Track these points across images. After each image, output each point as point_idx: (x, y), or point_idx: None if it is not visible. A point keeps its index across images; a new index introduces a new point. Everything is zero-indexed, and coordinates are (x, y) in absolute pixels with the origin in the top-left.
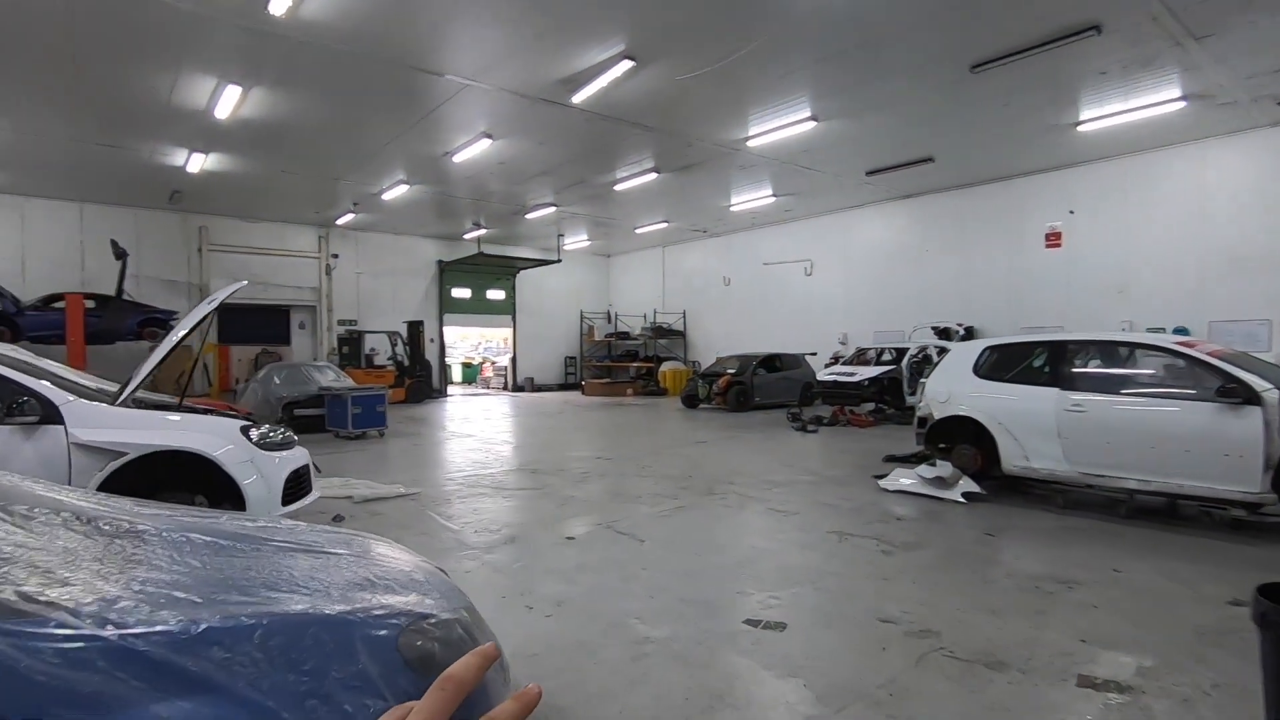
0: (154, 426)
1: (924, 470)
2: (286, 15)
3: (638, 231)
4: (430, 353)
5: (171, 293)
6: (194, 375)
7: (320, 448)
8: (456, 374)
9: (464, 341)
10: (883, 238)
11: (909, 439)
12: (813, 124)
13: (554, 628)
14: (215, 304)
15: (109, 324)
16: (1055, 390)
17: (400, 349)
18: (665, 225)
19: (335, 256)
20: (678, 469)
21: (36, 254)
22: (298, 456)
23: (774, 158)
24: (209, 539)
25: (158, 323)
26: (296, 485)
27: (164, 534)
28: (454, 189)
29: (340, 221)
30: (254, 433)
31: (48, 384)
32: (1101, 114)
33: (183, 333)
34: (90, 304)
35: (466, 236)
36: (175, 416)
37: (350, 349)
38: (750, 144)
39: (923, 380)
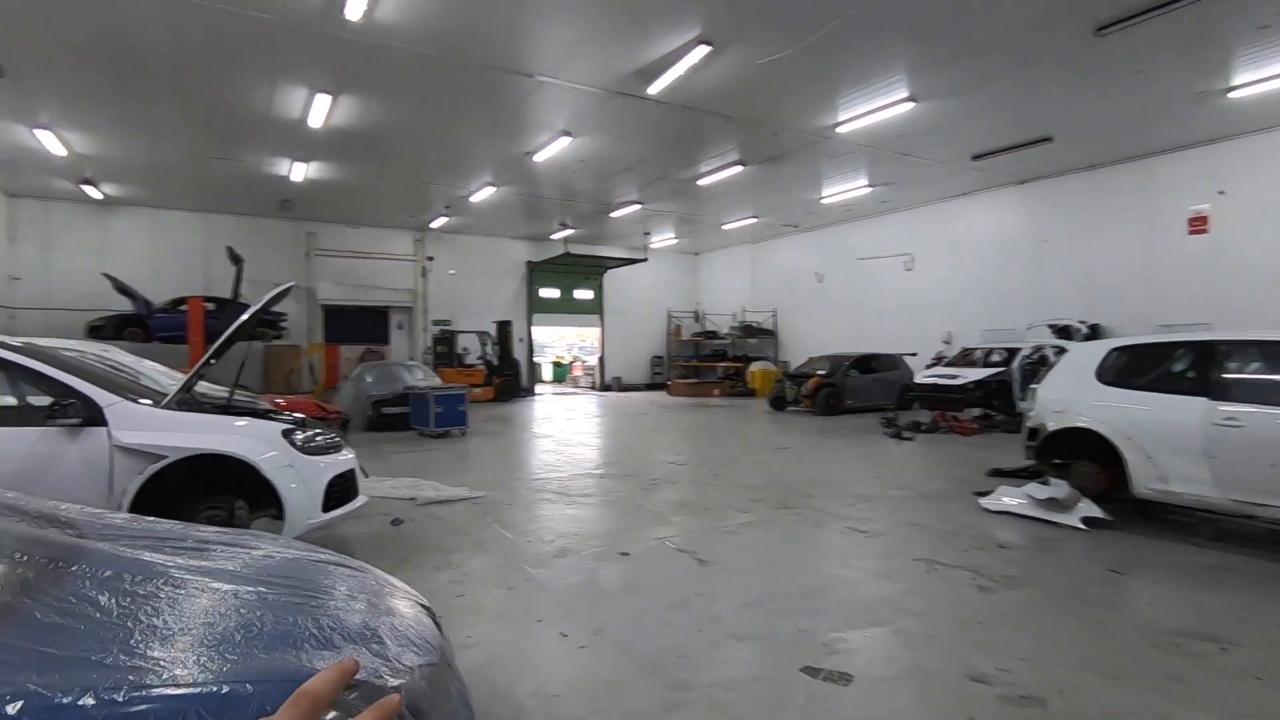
0: (196, 429)
1: (1034, 489)
2: (363, 19)
3: (725, 228)
4: (519, 352)
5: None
6: (294, 373)
7: (402, 446)
8: (547, 373)
9: (561, 341)
10: (992, 228)
11: (1018, 451)
12: (910, 105)
13: (584, 661)
14: (259, 306)
15: (225, 325)
16: (1203, 400)
17: (489, 348)
18: (753, 221)
19: (430, 259)
20: (754, 477)
21: (168, 261)
22: (342, 461)
23: (868, 144)
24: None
25: (266, 323)
26: (341, 491)
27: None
28: (539, 189)
29: (434, 225)
30: (297, 436)
31: (92, 386)
32: (1260, 77)
33: (228, 334)
34: (210, 306)
35: (554, 237)
36: (218, 419)
37: (445, 348)
38: (841, 130)
39: (1034, 386)
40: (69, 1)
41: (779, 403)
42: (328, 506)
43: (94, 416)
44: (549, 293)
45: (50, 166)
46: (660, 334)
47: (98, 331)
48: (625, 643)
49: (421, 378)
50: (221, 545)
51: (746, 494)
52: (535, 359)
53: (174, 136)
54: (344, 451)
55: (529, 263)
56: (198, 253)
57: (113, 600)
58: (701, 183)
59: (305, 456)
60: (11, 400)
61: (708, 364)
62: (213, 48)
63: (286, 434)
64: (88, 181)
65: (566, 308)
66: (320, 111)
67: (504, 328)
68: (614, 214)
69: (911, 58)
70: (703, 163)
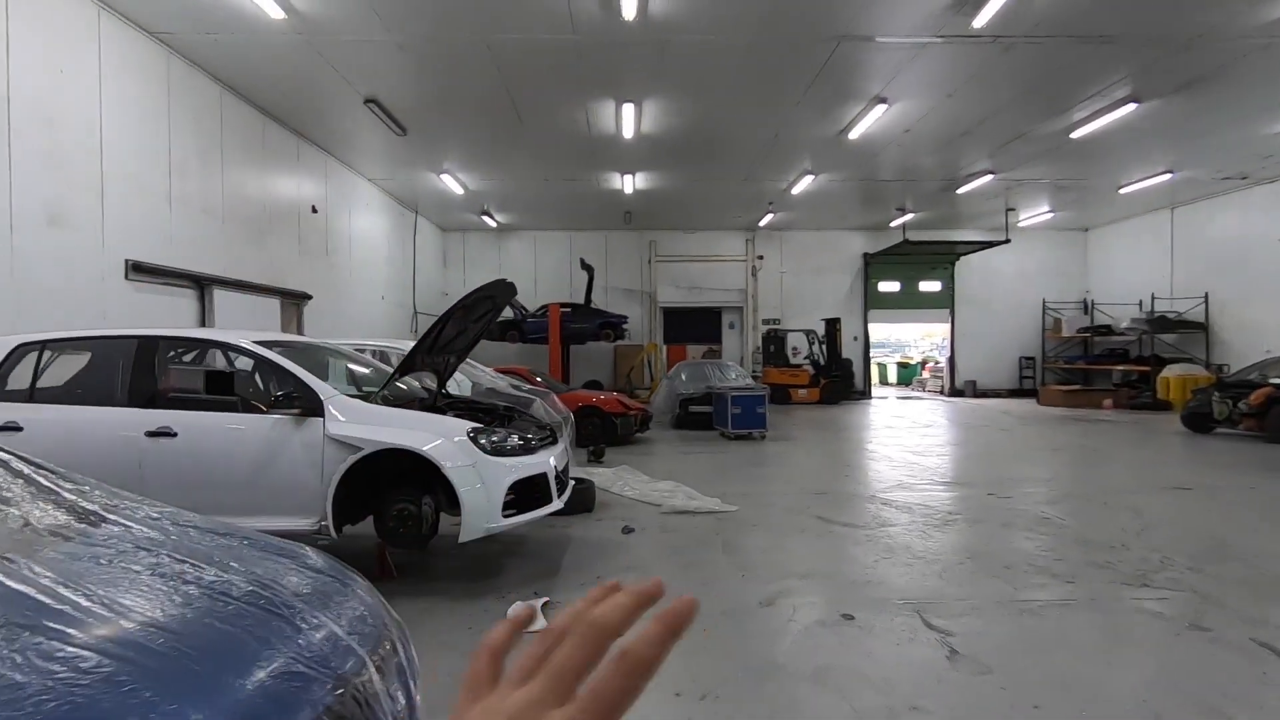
0: (391, 424)
1: None
2: (637, 18)
3: (1123, 192)
4: (853, 351)
5: (629, 300)
6: (635, 371)
7: (695, 446)
8: (891, 374)
9: (926, 340)
10: None
11: None
12: None
13: None
14: (457, 305)
15: (579, 328)
16: None
17: (816, 348)
18: (1167, 177)
19: (760, 258)
20: (1110, 529)
21: (543, 274)
22: (530, 464)
23: None
24: None
25: (611, 325)
26: (529, 495)
27: None
28: (864, 171)
29: (762, 223)
30: (484, 438)
31: (316, 380)
32: None
33: (428, 332)
34: (567, 311)
35: (893, 224)
36: (416, 415)
37: (775, 348)
38: None
39: None
40: (448, 79)
41: (1199, 421)
42: (512, 510)
43: (314, 407)
44: (888, 286)
45: (457, 203)
46: (1031, 330)
47: (489, 334)
48: None
49: (734, 377)
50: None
51: (1083, 553)
52: (873, 359)
53: (529, 168)
54: (541, 454)
55: (865, 255)
56: (565, 265)
57: None
58: (1076, 135)
59: (489, 457)
60: (263, 391)
61: (1099, 366)
62: (534, 78)
63: (474, 433)
64: (486, 213)
65: (908, 302)
66: (629, 122)
67: (832, 325)
68: (962, 190)
69: None
70: (1074, 108)
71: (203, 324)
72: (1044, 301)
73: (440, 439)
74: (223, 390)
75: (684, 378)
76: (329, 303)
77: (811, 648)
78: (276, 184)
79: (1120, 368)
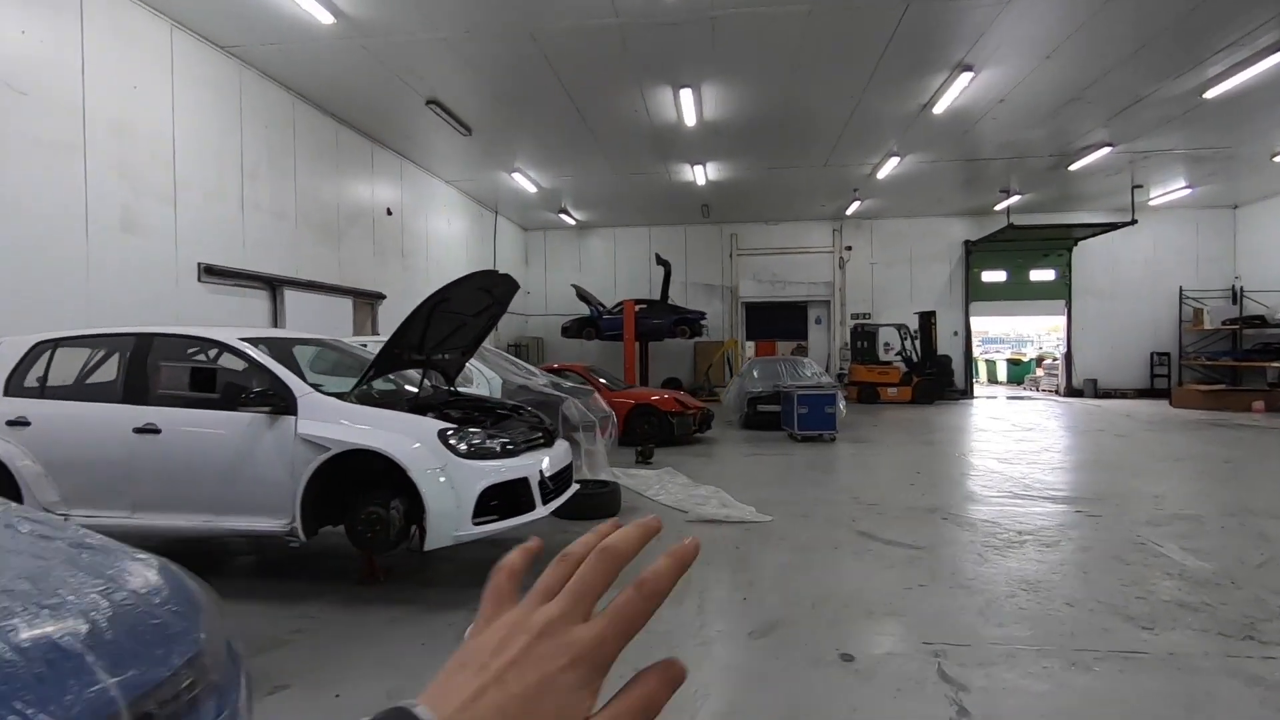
0: (361, 424)
1: None
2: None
3: (1279, 160)
4: (952, 347)
5: (709, 295)
6: (713, 368)
7: (756, 447)
8: (1001, 371)
9: (1052, 334)
10: None
11: None
12: None
13: None
14: (435, 298)
15: (654, 324)
16: None
17: (909, 343)
18: None
19: (849, 249)
20: (1220, 560)
21: (623, 270)
22: (508, 469)
23: None
24: None
25: (686, 322)
26: (506, 502)
27: None
28: (956, 151)
29: (850, 212)
30: (457, 439)
31: (294, 377)
32: None
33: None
34: (642, 308)
35: (998, 208)
36: (386, 414)
37: (866, 344)
38: None
39: None
40: (500, 74)
41: None
42: (490, 517)
43: (288, 406)
44: (993, 276)
45: (534, 201)
46: (1165, 321)
47: (565, 332)
48: None
49: (810, 375)
50: None
51: (1178, 590)
52: (980, 355)
53: (596, 163)
54: (525, 458)
55: (966, 242)
56: (644, 261)
57: None
58: (1211, 95)
59: (460, 460)
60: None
61: (1250, 363)
62: (580, 70)
63: (443, 434)
64: (564, 210)
65: (1017, 292)
66: (689, 109)
67: (926, 319)
68: (1076, 166)
69: None
70: (1207, 62)
71: (275, 323)
72: (1180, 290)
73: (409, 440)
74: (207, 388)
75: (756, 375)
76: (411, 302)
77: (787, 693)
78: (350, 187)
79: (1276, 365)
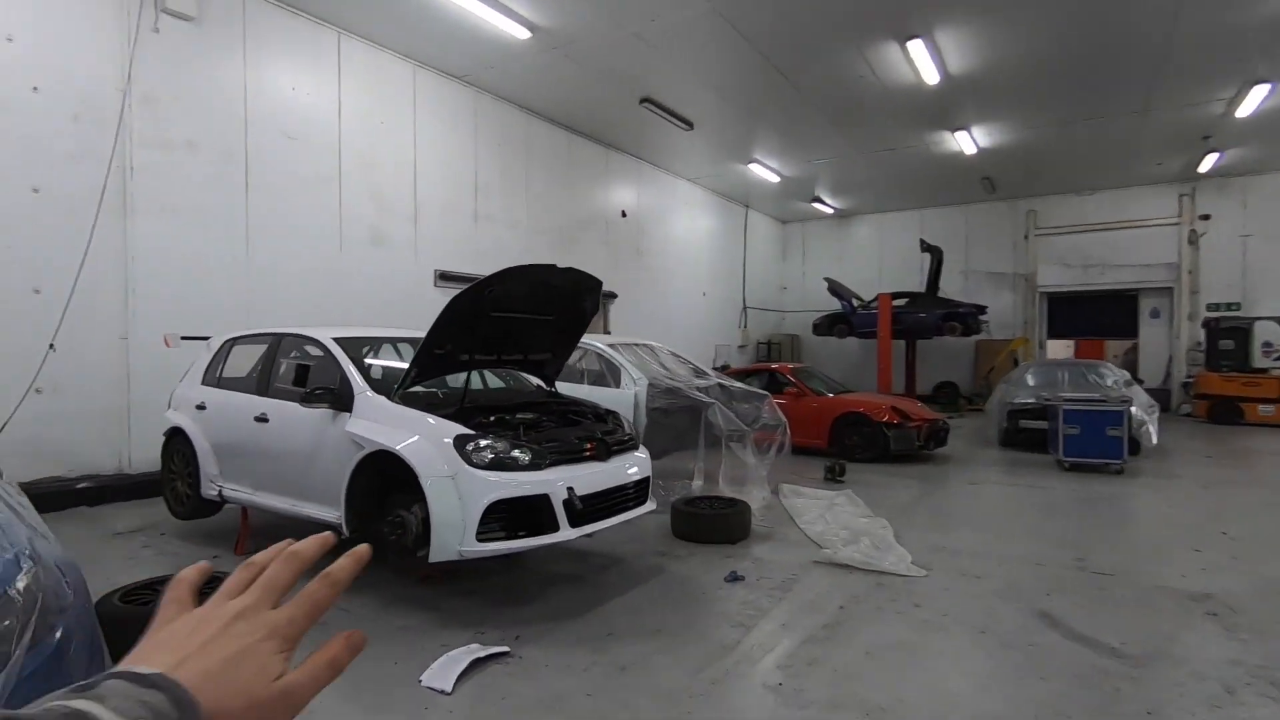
0: (394, 425)
1: None
2: None
3: None
4: None
5: (997, 285)
6: (995, 370)
7: (1012, 476)
8: None
9: None
10: None
11: None
12: None
13: None
14: (471, 292)
15: (918, 320)
16: None
17: None
18: None
19: (1205, 218)
20: None
21: (889, 260)
22: (529, 483)
23: None
24: None
25: (958, 317)
26: (523, 520)
27: None
28: None
29: (1203, 168)
30: (473, 445)
31: (357, 374)
32: None
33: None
34: (901, 302)
35: None
36: (414, 415)
37: (1236, 343)
38: None
39: None
40: (698, 58)
41: None
42: (498, 535)
43: (346, 403)
44: None
45: (784, 192)
46: None
47: (816, 329)
48: None
49: (1111, 384)
50: None
51: None
52: None
53: (832, 141)
54: (552, 471)
55: None
56: (913, 249)
57: None
58: None
59: (470, 469)
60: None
61: None
62: (775, 36)
63: (461, 439)
64: (818, 199)
65: None
66: (925, 63)
67: None
68: None
69: None
70: None
71: None
72: None
73: (425, 442)
74: (302, 383)
75: (1030, 382)
76: (645, 301)
77: None
78: (583, 193)
79: None
